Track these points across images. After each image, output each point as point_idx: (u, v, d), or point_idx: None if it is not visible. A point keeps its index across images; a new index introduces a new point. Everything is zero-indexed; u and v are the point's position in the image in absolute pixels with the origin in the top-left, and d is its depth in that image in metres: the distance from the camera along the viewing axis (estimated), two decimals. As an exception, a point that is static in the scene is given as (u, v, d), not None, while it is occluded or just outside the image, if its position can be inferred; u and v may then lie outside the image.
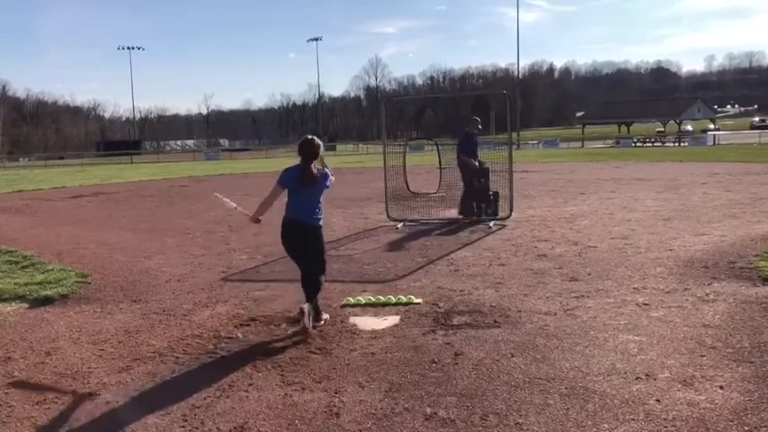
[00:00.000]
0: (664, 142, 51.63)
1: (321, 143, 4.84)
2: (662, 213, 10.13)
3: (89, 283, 6.55)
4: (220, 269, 7.15)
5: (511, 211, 10.02)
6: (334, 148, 69.07)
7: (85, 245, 9.18)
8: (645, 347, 4.10)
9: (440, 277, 6.31)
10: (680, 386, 3.47)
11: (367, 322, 4.91)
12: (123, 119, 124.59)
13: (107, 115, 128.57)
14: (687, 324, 4.54)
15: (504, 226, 9.51)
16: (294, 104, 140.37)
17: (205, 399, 3.58)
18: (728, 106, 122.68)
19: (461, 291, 5.72)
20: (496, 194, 10.18)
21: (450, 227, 9.70)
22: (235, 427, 3.22)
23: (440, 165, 11.43)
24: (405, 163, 10.90)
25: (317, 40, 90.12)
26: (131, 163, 53.85)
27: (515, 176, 10.62)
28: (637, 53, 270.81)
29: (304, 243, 4.77)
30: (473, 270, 6.59)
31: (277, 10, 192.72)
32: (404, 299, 5.44)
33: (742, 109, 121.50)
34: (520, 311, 4.99)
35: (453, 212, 10.52)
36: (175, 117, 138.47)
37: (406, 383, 3.67)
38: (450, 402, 3.39)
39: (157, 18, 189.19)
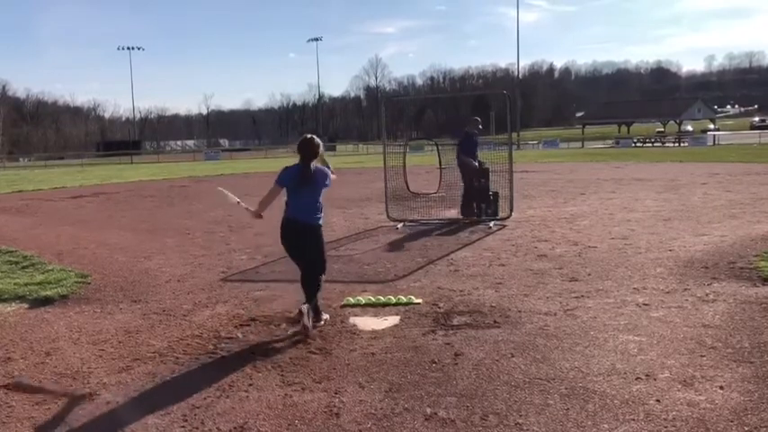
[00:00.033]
0: (664, 142, 51.62)
1: (320, 142, 4.83)
2: (662, 214, 10.13)
3: (89, 284, 6.55)
4: (220, 269, 7.15)
5: (511, 211, 10.02)
6: (334, 149, 69.10)
7: (85, 245, 9.18)
8: (645, 348, 4.10)
9: (440, 277, 6.31)
10: (680, 386, 3.47)
11: (367, 322, 4.91)
12: (123, 119, 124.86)
13: (107, 115, 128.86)
14: (687, 324, 4.54)
15: (504, 226, 9.51)
16: (294, 104, 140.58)
17: (205, 399, 3.58)
18: (728, 106, 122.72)
19: (461, 291, 5.72)
20: (496, 195, 10.18)
21: (451, 227, 9.70)
22: (235, 428, 3.22)
23: (440, 165, 11.42)
24: (405, 163, 10.89)
25: (317, 40, 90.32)
26: (131, 163, 53.86)
27: (515, 177, 10.62)
28: (637, 53, 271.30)
29: (303, 243, 4.77)
30: (473, 270, 6.59)
31: (277, 10, 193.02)
32: (404, 299, 5.44)
33: (742, 109, 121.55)
34: (520, 312, 5.00)
35: (453, 213, 10.52)
36: (175, 117, 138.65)
37: (406, 384, 3.67)
38: (450, 402, 3.39)
39: (157, 18, 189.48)
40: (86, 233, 10.50)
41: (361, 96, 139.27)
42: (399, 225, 9.92)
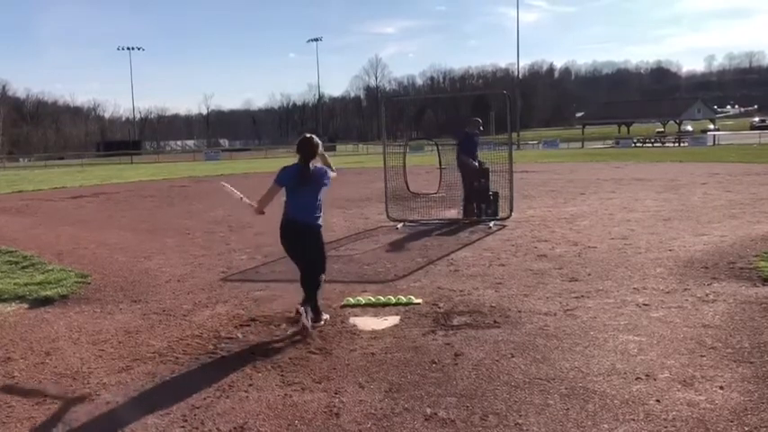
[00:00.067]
0: (664, 142, 51.63)
1: (320, 141, 4.82)
2: (662, 214, 10.13)
3: (89, 284, 6.55)
4: (220, 269, 7.15)
5: (511, 211, 10.02)
6: (334, 149, 69.11)
7: (85, 245, 9.18)
8: (645, 348, 4.10)
9: (440, 277, 6.31)
10: (680, 386, 3.47)
11: (367, 322, 4.91)
12: (123, 119, 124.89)
13: (107, 115, 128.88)
14: (687, 324, 4.54)
15: (504, 226, 9.51)
16: (294, 104, 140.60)
17: (205, 399, 3.58)
18: (728, 106, 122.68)
19: (461, 291, 5.72)
20: (496, 195, 10.18)
21: (451, 227, 9.70)
22: (235, 428, 3.22)
23: (440, 165, 11.42)
24: (405, 163, 10.89)
25: (317, 40, 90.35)
26: (131, 163, 53.87)
27: (515, 177, 10.62)
28: (637, 53, 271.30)
29: (303, 243, 4.77)
30: (473, 270, 6.59)
31: (277, 10, 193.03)
32: (404, 299, 5.44)
33: (742, 109, 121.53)
34: (520, 312, 4.99)
35: (453, 213, 10.52)
36: (175, 117, 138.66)
37: (406, 384, 3.67)
38: (450, 403, 3.39)
39: (157, 18, 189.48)
40: (86, 233, 10.50)
41: (361, 96, 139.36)
42: (399, 225, 9.92)
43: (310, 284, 4.79)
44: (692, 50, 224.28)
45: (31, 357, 4.42)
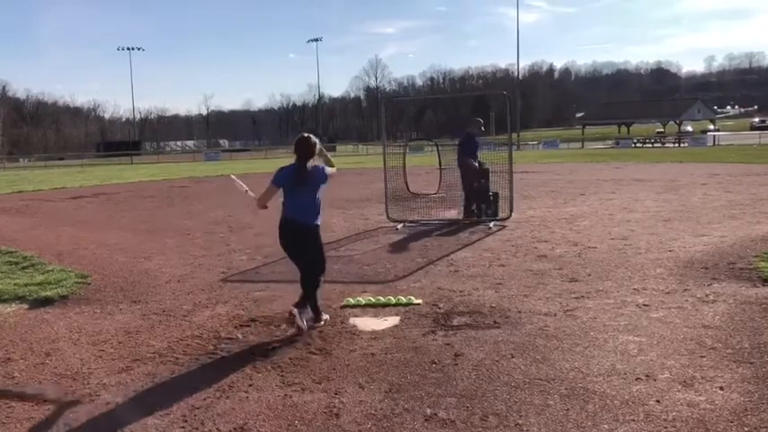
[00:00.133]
0: (663, 143, 51.62)
1: (317, 141, 4.80)
2: (662, 214, 10.13)
3: (89, 284, 6.55)
4: (220, 270, 7.15)
5: (511, 211, 10.02)
6: (334, 149, 69.06)
7: (85, 245, 9.18)
8: (645, 348, 4.10)
9: (440, 278, 6.31)
10: (680, 387, 3.47)
11: (367, 323, 4.91)
12: (123, 119, 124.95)
13: (107, 116, 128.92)
14: (687, 325, 4.54)
15: (504, 227, 9.51)
16: (294, 105, 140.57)
17: (205, 399, 3.58)
18: (728, 107, 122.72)
19: (461, 291, 5.72)
20: (496, 195, 10.18)
21: (450, 227, 9.71)
22: (235, 428, 3.22)
23: (440, 165, 11.42)
24: (405, 164, 10.89)
25: (316, 40, 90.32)
26: (131, 164, 53.87)
27: (515, 177, 10.62)
28: (637, 53, 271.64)
29: (301, 244, 4.76)
30: (473, 271, 6.59)
31: (277, 10, 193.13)
32: (404, 300, 5.44)
33: (742, 110, 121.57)
34: (520, 312, 5.00)
35: (453, 213, 10.52)
36: (175, 118, 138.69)
37: (406, 384, 3.67)
38: (450, 403, 3.39)
39: (157, 18, 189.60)
40: (86, 234, 10.50)
41: (361, 97, 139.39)
42: (399, 225, 9.92)
43: (310, 284, 4.79)
44: (691, 51, 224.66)
45: (31, 358, 4.42)
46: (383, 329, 4.73)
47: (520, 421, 3.14)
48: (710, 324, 4.54)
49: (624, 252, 7.21)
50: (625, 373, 3.68)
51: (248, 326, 4.93)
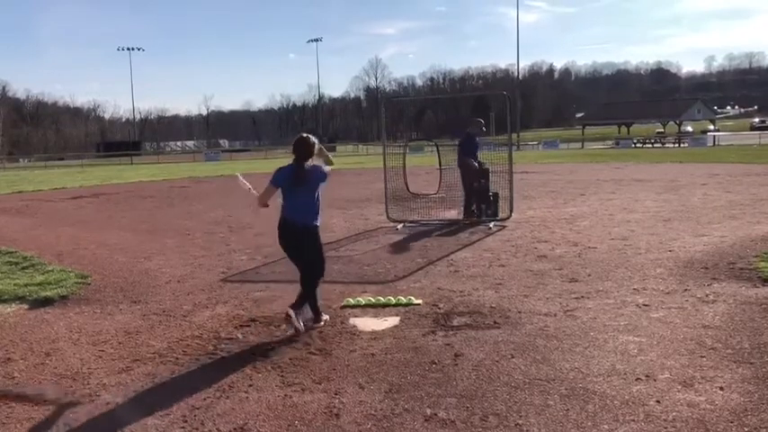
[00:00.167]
0: (664, 143, 51.61)
1: (316, 141, 4.80)
2: (662, 214, 10.13)
3: (89, 284, 6.55)
4: (220, 270, 7.15)
5: (511, 211, 10.02)
6: (334, 149, 69.10)
7: (85, 246, 9.18)
8: (645, 348, 4.10)
9: (440, 278, 6.31)
10: (680, 387, 3.47)
11: (367, 323, 4.91)
12: (123, 120, 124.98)
13: (107, 116, 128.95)
14: (687, 325, 4.54)
15: (504, 227, 9.51)
16: (294, 105, 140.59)
17: (205, 400, 3.58)
18: (728, 107, 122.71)
19: (461, 292, 5.72)
20: (496, 195, 10.18)
21: (450, 228, 9.71)
22: (235, 428, 3.22)
23: (440, 166, 11.43)
24: (405, 164, 10.89)
25: (317, 41, 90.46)
26: (131, 164, 53.88)
27: (515, 177, 10.62)
28: (637, 54, 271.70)
29: (300, 244, 4.76)
30: (473, 271, 6.59)
31: (277, 10, 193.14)
32: (404, 300, 5.43)
33: (742, 110, 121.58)
34: (520, 312, 5.00)
35: (453, 213, 10.52)
36: (175, 118, 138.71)
37: (406, 384, 3.67)
38: (450, 403, 3.39)
39: (157, 18, 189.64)
40: (86, 234, 10.50)
41: (361, 97, 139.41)
42: (399, 226, 9.92)
43: (310, 284, 4.79)
44: (691, 51, 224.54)
45: (31, 358, 4.42)
46: (383, 330, 4.73)
47: (520, 421, 3.14)
48: (710, 324, 4.54)
49: (624, 252, 7.21)
50: (625, 374, 3.68)
51: (248, 326, 4.94)
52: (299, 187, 4.65)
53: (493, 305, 5.22)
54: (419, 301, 5.40)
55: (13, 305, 5.82)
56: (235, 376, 3.90)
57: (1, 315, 5.52)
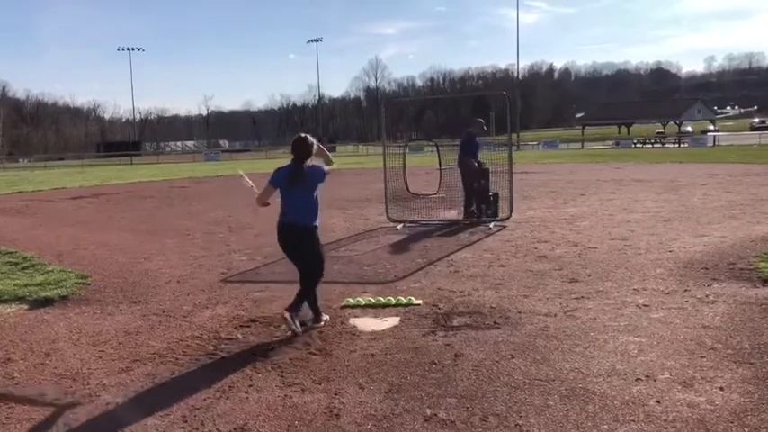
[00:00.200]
0: (663, 143, 51.61)
1: (315, 141, 4.80)
2: (662, 214, 10.13)
3: (89, 285, 6.55)
4: (220, 270, 7.15)
5: (511, 212, 10.02)
6: (334, 149, 69.09)
7: (85, 246, 9.18)
8: (645, 349, 4.10)
9: (440, 278, 6.31)
10: (680, 387, 3.47)
11: (367, 323, 4.91)
12: (123, 120, 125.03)
13: (107, 116, 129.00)
14: (687, 325, 4.54)
15: (504, 227, 9.51)
16: (294, 105, 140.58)
17: (205, 400, 3.58)
18: (728, 107, 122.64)
19: (461, 292, 5.72)
20: (496, 195, 10.18)
21: (450, 228, 9.71)
22: (234, 429, 3.22)
23: (440, 166, 11.43)
24: (405, 164, 10.90)
25: (317, 41, 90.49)
26: (131, 164, 53.88)
27: (515, 177, 10.62)
28: (636, 54, 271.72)
29: (299, 245, 4.76)
30: (473, 271, 6.59)
31: (277, 10, 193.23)
32: (404, 300, 5.43)
33: (742, 110, 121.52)
34: (520, 313, 4.99)
35: (453, 213, 10.52)
36: (175, 118, 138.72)
37: (406, 384, 3.67)
38: (450, 403, 3.39)
39: (157, 18, 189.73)
40: (86, 234, 10.50)
41: (361, 97, 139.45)
42: (399, 226, 9.92)
43: (309, 284, 4.79)
44: (691, 51, 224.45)
45: (31, 358, 4.42)
46: (383, 330, 4.73)
47: (520, 422, 3.14)
48: (710, 324, 4.54)
49: (624, 252, 7.21)
50: (625, 374, 3.68)
51: (248, 326, 4.93)
52: (297, 187, 4.65)
53: (493, 305, 5.22)
54: (419, 302, 5.40)
55: (13, 305, 5.83)
56: (235, 376, 3.90)
57: (1, 315, 5.52)
